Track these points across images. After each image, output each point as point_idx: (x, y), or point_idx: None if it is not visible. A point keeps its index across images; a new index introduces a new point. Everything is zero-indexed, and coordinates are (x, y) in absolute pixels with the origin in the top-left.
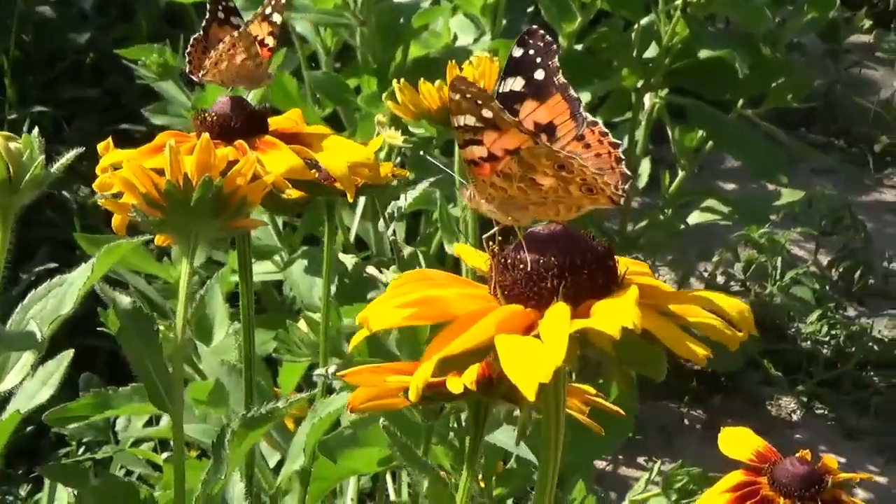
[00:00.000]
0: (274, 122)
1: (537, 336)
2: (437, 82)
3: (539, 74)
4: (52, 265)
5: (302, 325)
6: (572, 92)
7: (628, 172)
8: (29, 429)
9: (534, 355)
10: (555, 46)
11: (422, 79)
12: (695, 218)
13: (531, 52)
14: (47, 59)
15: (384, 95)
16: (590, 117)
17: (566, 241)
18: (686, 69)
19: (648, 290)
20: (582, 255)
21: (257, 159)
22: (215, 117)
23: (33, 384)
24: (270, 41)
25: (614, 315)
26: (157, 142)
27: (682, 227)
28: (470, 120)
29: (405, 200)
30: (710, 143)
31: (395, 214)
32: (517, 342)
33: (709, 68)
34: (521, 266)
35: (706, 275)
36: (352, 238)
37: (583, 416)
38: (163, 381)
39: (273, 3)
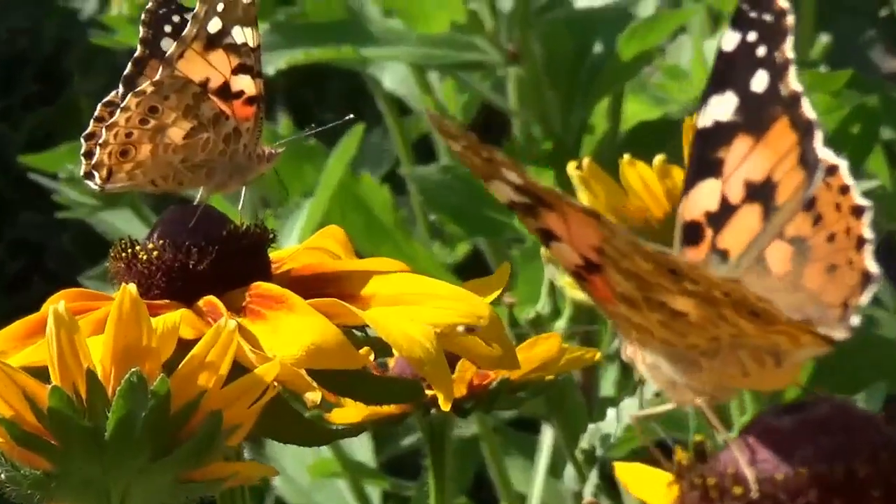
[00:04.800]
0: (284, 257)
1: None
2: (657, 161)
3: (758, 81)
4: None
5: None
6: (807, 109)
7: (873, 269)
8: None
9: None
10: (789, 18)
11: (627, 156)
12: None
13: (752, 36)
14: None
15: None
16: (828, 158)
17: (836, 434)
18: None
19: None
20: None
21: (242, 332)
22: (155, 252)
23: None
24: (249, 86)
25: None
26: (42, 313)
27: None
28: (512, 194)
29: (617, 426)
30: None
31: (594, 457)
32: None
33: None
34: (741, 492)
35: None
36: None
37: None
38: None
39: (224, 5)
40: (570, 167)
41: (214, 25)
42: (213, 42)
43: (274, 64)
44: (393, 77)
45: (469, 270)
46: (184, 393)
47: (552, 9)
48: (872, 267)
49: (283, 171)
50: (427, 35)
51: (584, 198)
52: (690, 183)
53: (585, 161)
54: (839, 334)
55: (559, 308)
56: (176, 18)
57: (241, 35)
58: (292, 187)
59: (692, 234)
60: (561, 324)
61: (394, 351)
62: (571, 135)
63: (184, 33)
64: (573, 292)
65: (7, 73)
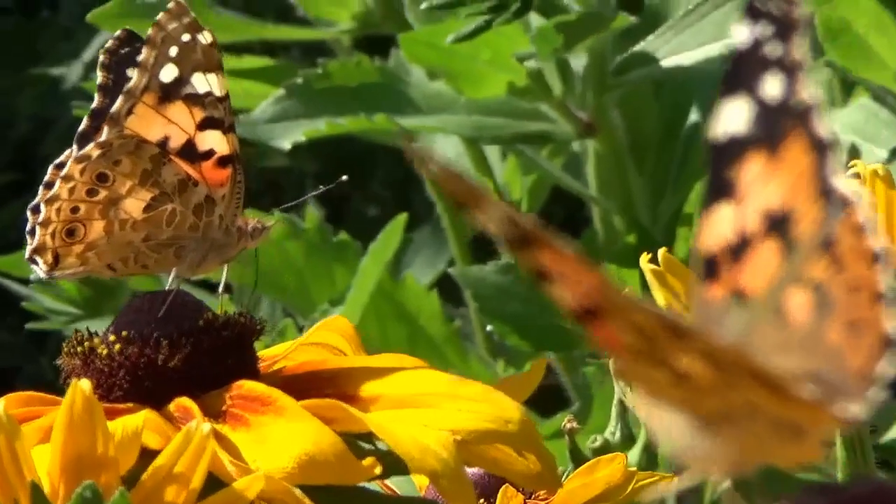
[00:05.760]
0: (278, 354)
1: None
2: None
3: (773, 85)
4: None
5: None
6: (818, 124)
7: (892, 331)
8: None
9: None
10: (797, 7)
11: None
12: None
13: (765, 30)
14: None
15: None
16: (842, 188)
17: None
18: None
19: None
20: None
21: (220, 441)
22: (118, 346)
23: None
24: (219, 143)
25: None
26: None
27: None
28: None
29: None
30: None
31: None
32: None
33: None
34: None
35: None
36: None
37: None
38: None
39: (179, 49)
40: (643, 260)
41: (169, 73)
42: (168, 93)
43: (291, 137)
44: (446, 153)
45: (542, 394)
46: None
47: (634, 67)
48: (892, 329)
49: (307, 273)
50: (479, 101)
51: (659, 296)
52: (707, 207)
53: (661, 253)
54: (858, 412)
55: (633, 435)
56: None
57: (204, 83)
58: (319, 293)
59: (711, 268)
60: (634, 454)
61: (409, 466)
62: (661, 226)
63: (129, 85)
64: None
65: None
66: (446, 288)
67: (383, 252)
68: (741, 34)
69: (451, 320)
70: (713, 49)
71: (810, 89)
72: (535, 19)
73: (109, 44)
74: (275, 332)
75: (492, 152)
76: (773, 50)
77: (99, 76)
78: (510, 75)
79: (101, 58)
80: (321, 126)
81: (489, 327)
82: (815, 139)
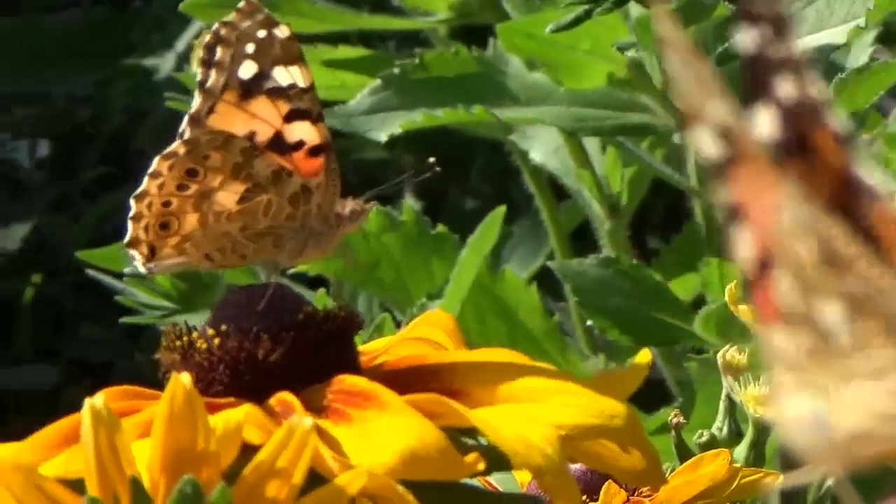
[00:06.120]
0: (378, 349)
1: None
2: None
3: (786, 87)
4: None
5: None
6: (835, 121)
7: None
8: None
9: None
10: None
11: None
12: None
13: (766, 32)
14: None
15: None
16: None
17: None
18: None
19: None
20: None
21: (322, 435)
22: (217, 340)
23: None
24: (309, 134)
25: None
26: (80, 415)
27: None
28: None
29: None
30: None
31: None
32: None
33: None
34: None
35: None
36: None
37: None
38: None
39: (256, 45)
40: (729, 293)
41: (247, 70)
42: (249, 89)
43: (387, 129)
44: (542, 148)
45: (643, 390)
46: None
47: (736, 57)
48: None
49: (404, 267)
50: (579, 92)
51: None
52: None
53: None
54: None
55: (741, 431)
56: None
57: (287, 76)
58: (417, 287)
59: None
60: (741, 450)
61: (512, 462)
62: None
63: (207, 84)
64: (757, 409)
65: (66, 153)
66: (546, 282)
67: (482, 245)
68: (743, 40)
69: (550, 315)
70: (816, 39)
71: (818, 86)
72: (634, 9)
73: (208, 38)
74: (372, 326)
75: (591, 144)
76: (776, 51)
77: (199, 73)
78: (610, 66)
79: (202, 54)
80: (418, 118)
81: (589, 322)
82: (836, 136)
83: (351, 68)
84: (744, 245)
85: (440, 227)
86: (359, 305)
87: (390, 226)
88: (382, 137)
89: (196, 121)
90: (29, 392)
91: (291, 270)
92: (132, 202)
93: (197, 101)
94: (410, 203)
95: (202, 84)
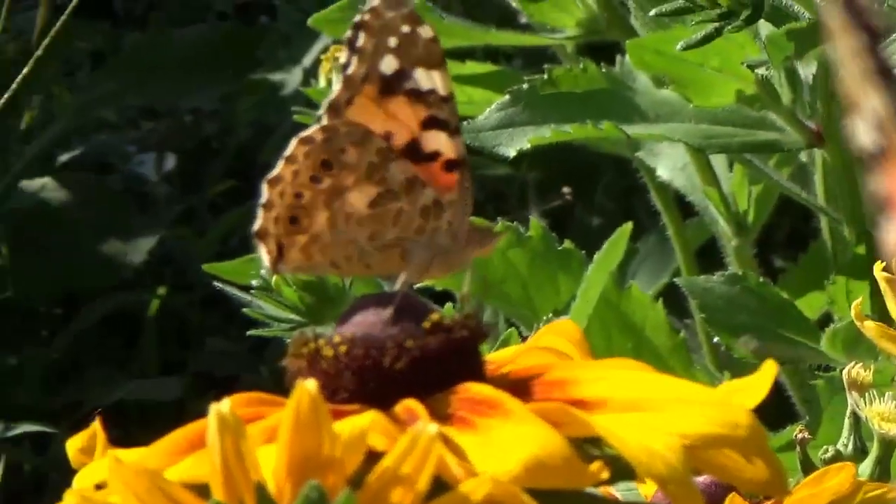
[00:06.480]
0: (503, 359)
1: None
2: None
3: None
4: None
5: None
6: None
7: None
8: None
9: None
10: None
11: None
12: None
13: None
14: None
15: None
16: None
17: None
18: None
19: None
20: None
21: (446, 442)
22: (343, 347)
23: None
24: (446, 146)
25: None
26: (202, 423)
27: None
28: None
29: None
30: None
31: None
32: None
33: None
34: None
35: None
36: None
37: None
38: None
39: (399, 40)
40: (877, 269)
41: (389, 65)
42: (390, 86)
43: (515, 145)
44: (669, 165)
45: (769, 407)
46: None
47: None
48: None
49: (531, 283)
50: (707, 109)
51: (893, 306)
52: None
53: (895, 261)
54: None
55: (866, 447)
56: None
57: (427, 80)
58: (543, 303)
59: None
60: (866, 466)
61: (636, 471)
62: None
63: (348, 72)
64: (882, 425)
65: (192, 167)
66: (672, 299)
67: (608, 261)
68: None
69: (676, 332)
70: None
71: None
72: (764, 27)
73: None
74: (499, 342)
75: (718, 161)
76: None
77: (344, 55)
78: (739, 83)
79: (349, 35)
80: (547, 133)
81: (716, 339)
82: None
83: (479, 84)
84: (892, 235)
85: (567, 243)
86: (485, 319)
87: (517, 241)
88: (511, 153)
89: (334, 109)
90: (153, 405)
91: (418, 284)
92: (264, 187)
93: (337, 88)
94: (537, 219)
95: (345, 68)
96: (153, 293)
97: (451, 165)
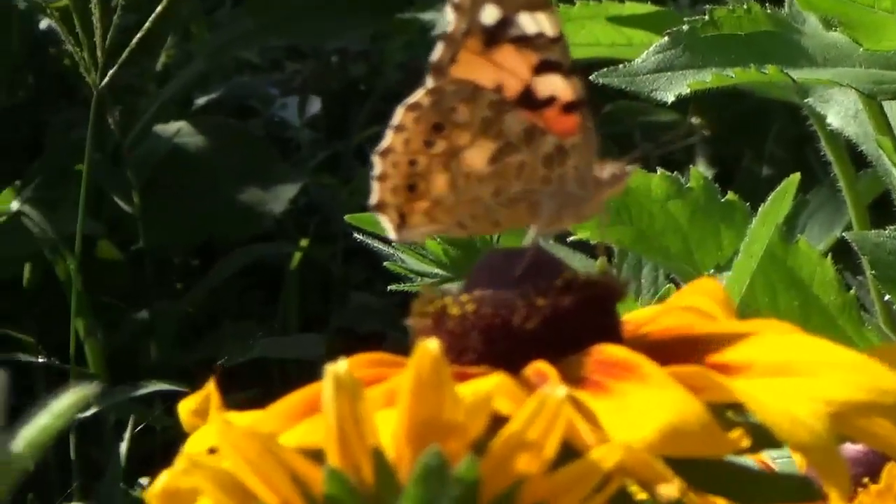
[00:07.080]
0: (642, 318)
1: None
2: None
3: None
4: None
5: None
6: None
7: None
8: None
9: None
10: None
11: None
12: None
13: None
14: None
15: None
16: None
17: None
18: None
19: None
20: None
21: (576, 407)
22: (471, 306)
23: None
24: (562, 89)
25: None
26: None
27: None
28: None
29: None
30: None
31: None
32: None
33: None
34: None
35: None
36: None
37: None
38: None
39: None
40: None
41: (490, 15)
42: (493, 37)
43: (674, 89)
44: (840, 112)
45: None
46: (497, 480)
47: None
48: None
49: (692, 236)
50: (879, 53)
51: None
52: None
53: None
54: None
55: None
56: None
57: (533, 23)
58: (704, 257)
59: None
60: None
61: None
62: None
63: (448, 30)
64: None
65: (337, 111)
66: (843, 254)
67: (775, 214)
68: None
69: (847, 289)
70: None
71: None
72: None
73: None
74: (656, 297)
75: (893, 109)
76: None
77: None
78: None
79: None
80: (707, 77)
81: (887, 297)
82: None
83: (638, 25)
84: None
85: (730, 195)
86: (643, 276)
87: (677, 192)
88: (669, 98)
89: (438, 70)
90: (295, 362)
91: (572, 238)
92: (376, 160)
93: (439, 48)
94: (699, 169)
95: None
96: (295, 244)
97: (569, 108)
